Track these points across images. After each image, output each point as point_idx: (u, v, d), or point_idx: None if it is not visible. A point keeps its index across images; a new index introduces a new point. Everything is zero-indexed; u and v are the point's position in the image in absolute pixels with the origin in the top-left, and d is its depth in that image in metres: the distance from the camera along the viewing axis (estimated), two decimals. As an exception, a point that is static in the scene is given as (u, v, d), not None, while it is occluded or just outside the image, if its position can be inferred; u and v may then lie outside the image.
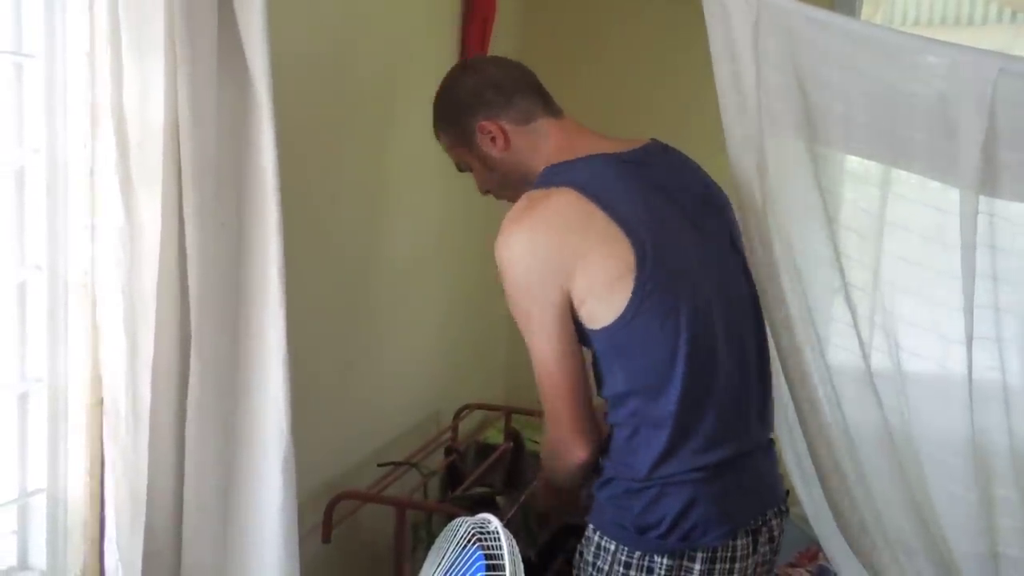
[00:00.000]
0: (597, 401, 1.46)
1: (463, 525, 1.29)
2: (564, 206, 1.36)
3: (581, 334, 1.40)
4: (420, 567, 1.36)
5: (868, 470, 1.68)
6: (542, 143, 1.48)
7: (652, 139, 1.52)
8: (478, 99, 1.50)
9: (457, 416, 2.48)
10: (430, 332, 2.47)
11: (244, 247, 1.21)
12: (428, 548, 1.93)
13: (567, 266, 1.34)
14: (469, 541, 1.26)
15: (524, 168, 1.48)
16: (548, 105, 1.53)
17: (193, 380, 1.19)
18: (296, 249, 1.81)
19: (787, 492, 1.59)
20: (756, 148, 1.59)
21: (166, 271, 1.15)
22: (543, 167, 1.45)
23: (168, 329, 1.18)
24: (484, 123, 1.49)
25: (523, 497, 1.96)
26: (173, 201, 1.16)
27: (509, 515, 1.86)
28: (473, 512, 1.89)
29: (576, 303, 1.36)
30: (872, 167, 1.71)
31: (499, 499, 1.91)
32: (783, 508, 1.53)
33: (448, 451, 2.21)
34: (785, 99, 1.57)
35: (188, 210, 1.16)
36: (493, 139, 1.49)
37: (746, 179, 1.61)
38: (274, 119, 1.19)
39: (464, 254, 2.61)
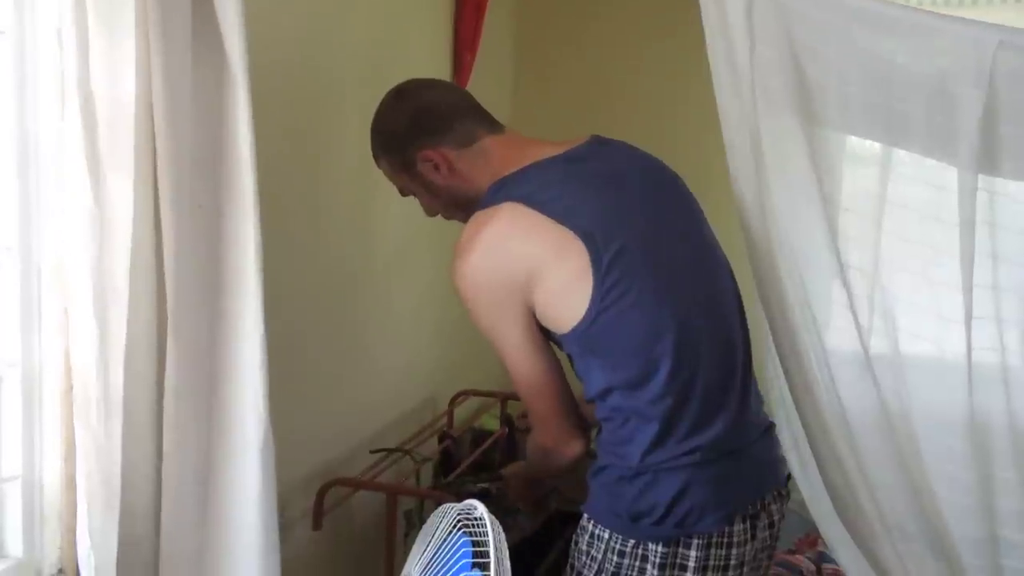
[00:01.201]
0: (579, 389, 1.44)
1: (449, 511, 1.26)
2: (509, 222, 1.35)
3: (552, 339, 1.40)
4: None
5: (865, 454, 1.65)
6: (486, 162, 1.44)
7: (593, 135, 1.49)
8: (416, 127, 1.46)
9: (452, 403, 2.45)
10: (425, 318, 2.44)
11: (221, 230, 1.19)
12: (420, 535, 1.92)
13: (523, 282, 1.33)
14: (455, 527, 1.23)
15: (470, 189, 1.45)
16: (488, 123, 1.49)
17: (170, 365, 1.17)
18: (286, 234, 1.80)
19: (788, 476, 1.56)
20: (751, 127, 1.56)
21: (140, 254, 1.12)
22: (489, 184, 1.42)
23: (143, 313, 1.15)
24: (425, 152, 1.45)
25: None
26: (147, 182, 1.13)
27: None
28: (463, 499, 1.89)
29: (539, 314, 1.36)
30: (874, 145, 1.68)
31: (490, 486, 1.88)
32: (783, 492, 1.51)
33: (442, 437, 2.18)
34: (780, 75, 1.53)
35: (163, 192, 1.13)
36: (436, 167, 1.46)
37: (742, 160, 1.58)
38: (251, 98, 1.16)
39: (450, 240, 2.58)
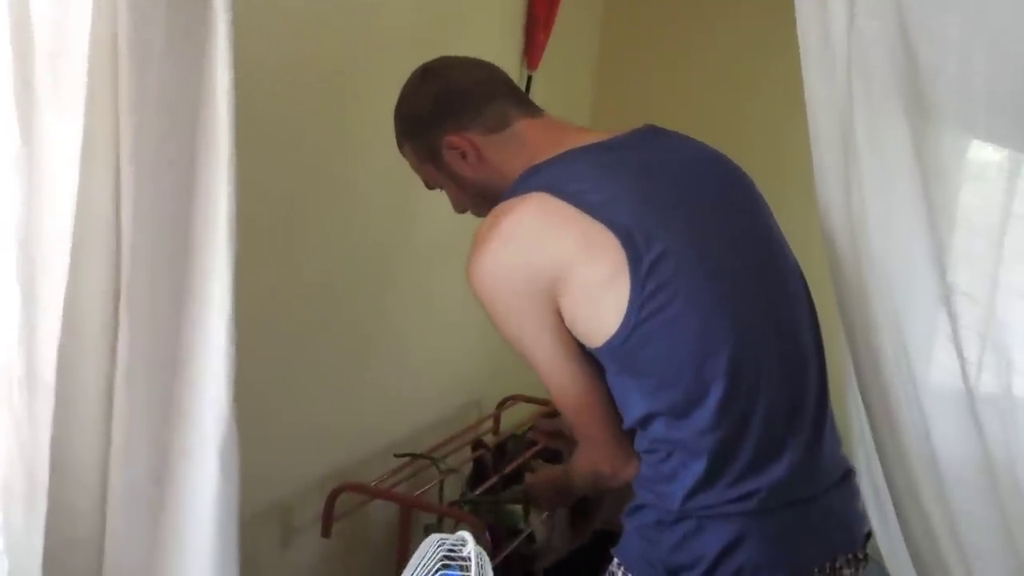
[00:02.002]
0: None
1: (435, 545, 1.07)
2: (534, 213, 1.14)
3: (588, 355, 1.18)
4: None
5: (959, 513, 1.38)
6: (519, 149, 1.24)
7: (648, 124, 1.27)
8: (442, 110, 1.26)
9: (499, 408, 2.25)
10: (472, 312, 2.24)
11: (193, 192, 1.01)
12: (439, 553, 1.73)
13: (549, 284, 1.12)
14: (436, 566, 1.04)
15: (501, 180, 1.24)
16: (523, 105, 1.28)
17: (122, 344, 1.01)
18: (302, 206, 1.63)
19: (868, 535, 1.30)
20: (842, 114, 1.31)
21: (90, 212, 0.96)
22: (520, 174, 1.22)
23: (93, 283, 0.99)
24: (451, 138, 1.25)
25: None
26: (104, 129, 0.97)
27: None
28: (487, 518, 1.69)
29: (568, 323, 1.15)
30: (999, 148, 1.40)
31: (515, 508, 1.68)
32: (861, 555, 1.25)
33: (475, 445, 1.98)
34: (883, 54, 1.27)
35: (124, 142, 0.97)
36: (463, 155, 1.26)
37: (830, 155, 1.33)
38: (231, 46, 0.98)
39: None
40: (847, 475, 1.24)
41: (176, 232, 1.02)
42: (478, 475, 1.91)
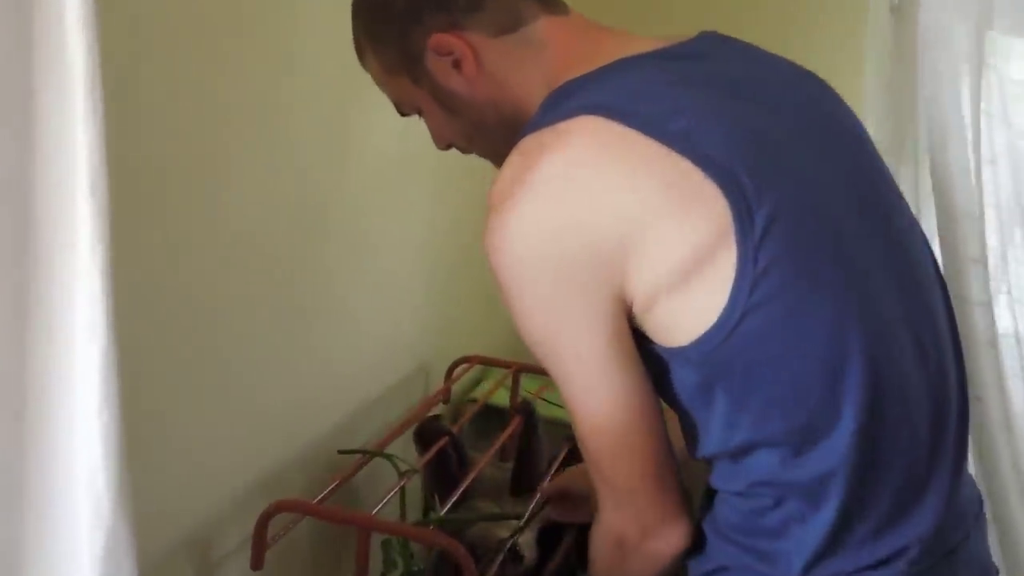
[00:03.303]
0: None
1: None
2: (586, 149, 0.76)
3: (645, 359, 0.81)
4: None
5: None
6: (537, 58, 0.87)
7: (703, 31, 0.89)
8: None
9: (451, 373, 1.89)
10: (409, 259, 1.85)
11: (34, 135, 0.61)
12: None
13: (613, 252, 0.75)
14: None
15: (511, 101, 0.88)
16: None
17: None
18: (207, 148, 1.18)
19: None
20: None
21: None
22: (543, 96, 0.84)
23: None
24: (440, 36, 0.86)
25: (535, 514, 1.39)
26: None
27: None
28: (464, 539, 1.34)
29: (639, 310, 0.78)
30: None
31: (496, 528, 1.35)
32: None
33: (434, 432, 1.60)
34: None
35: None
36: (456, 63, 0.87)
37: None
38: None
39: (457, 155, 1.97)
40: (981, 506, 0.93)
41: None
42: (442, 474, 1.54)
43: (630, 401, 0.80)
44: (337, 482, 1.36)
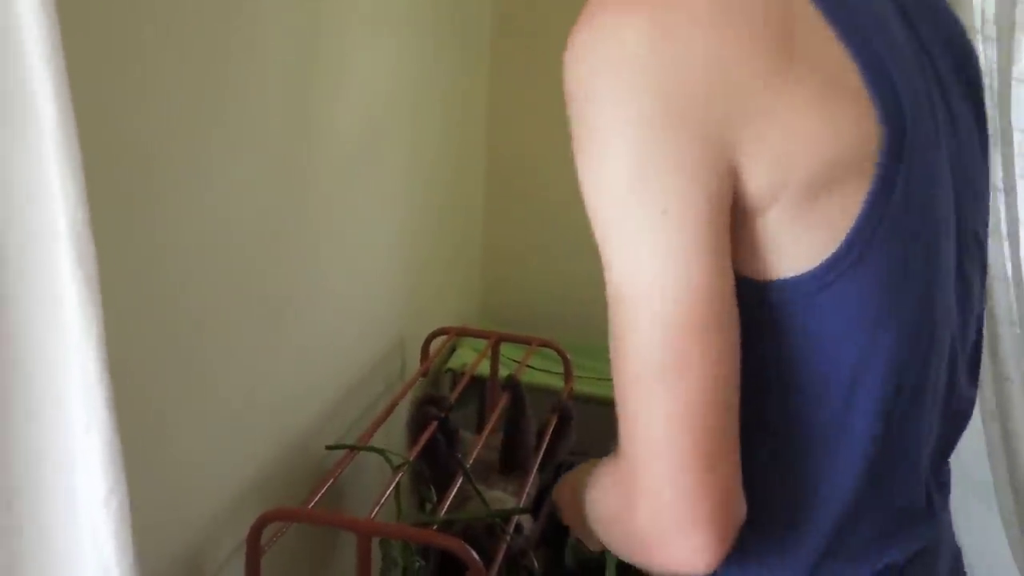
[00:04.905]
0: None
1: None
2: None
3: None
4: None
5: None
6: None
7: None
8: None
9: (427, 346, 1.84)
10: (381, 234, 1.77)
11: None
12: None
13: (737, 117, 0.57)
14: None
15: None
16: None
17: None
18: (180, 144, 1.08)
19: None
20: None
21: None
22: None
23: None
24: None
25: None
26: None
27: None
28: (466, 536, 1.29)
29: (751, 203, 0.59)
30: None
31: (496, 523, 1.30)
32: None
33: (425, 417, 1.54)
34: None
35: None
36: None
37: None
38: None
39: (428, 124, 1.89)
40: (949, 530, 0.83)
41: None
42: (433, 462, 1.49)
43: (711, 296, 0.57)
44: (330, 483, 1.30)
